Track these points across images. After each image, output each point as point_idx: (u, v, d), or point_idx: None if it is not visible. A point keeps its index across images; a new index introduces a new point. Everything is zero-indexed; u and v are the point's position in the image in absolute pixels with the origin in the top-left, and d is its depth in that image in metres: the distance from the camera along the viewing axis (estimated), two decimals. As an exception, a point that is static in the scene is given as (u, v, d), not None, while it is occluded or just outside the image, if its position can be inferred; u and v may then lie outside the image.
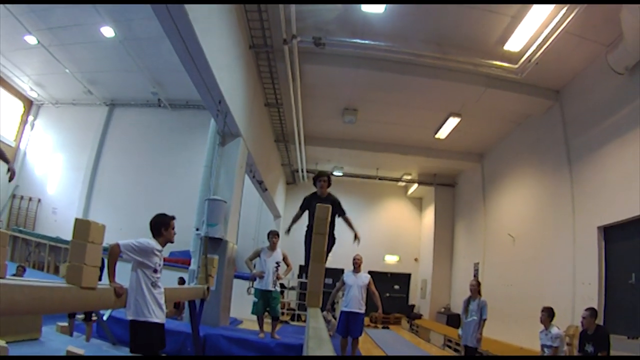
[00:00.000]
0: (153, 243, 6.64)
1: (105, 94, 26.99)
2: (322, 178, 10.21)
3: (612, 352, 9.89)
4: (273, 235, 12.60)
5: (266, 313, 12.43)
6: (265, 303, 12.22)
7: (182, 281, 15.36)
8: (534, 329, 11.76)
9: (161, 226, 6.86)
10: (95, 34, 19.80)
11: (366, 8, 12.88)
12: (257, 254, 12.55)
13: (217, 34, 10.72)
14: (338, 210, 10.04)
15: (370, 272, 13.32)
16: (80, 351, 8.30)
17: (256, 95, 15.85)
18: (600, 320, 11.07)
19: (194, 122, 25.86)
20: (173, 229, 6.96)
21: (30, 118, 28.22)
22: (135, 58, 21.52)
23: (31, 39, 20.67)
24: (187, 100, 26.19)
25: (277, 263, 12.38)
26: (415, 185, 29.39)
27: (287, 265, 12.73)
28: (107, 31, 19.52)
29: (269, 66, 14.89)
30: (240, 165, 14.07)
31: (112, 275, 6.20)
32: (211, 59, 10.04)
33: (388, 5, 12.65)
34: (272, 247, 12.43)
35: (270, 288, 12.20)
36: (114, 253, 6.16)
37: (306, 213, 11.23)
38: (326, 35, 13.83)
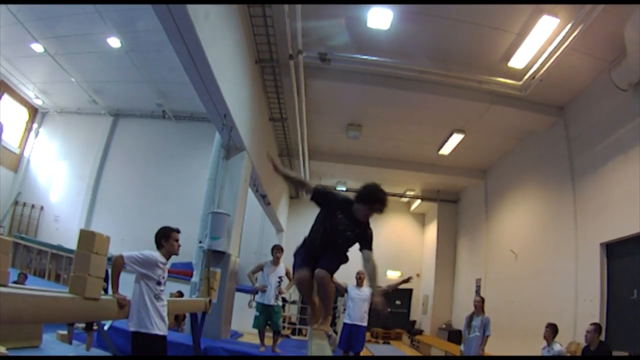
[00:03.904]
0: (156, 255, 6.68)
1: (110, 104, 26.97)
2: (381, 206, 6.61)
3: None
4: (277, 250, 12.66)
5: (267, 327, 12.48)
6: (266, 317, 12.29)
7: (180, 294, 15.34)
8: (535, 346, 11.79)
9: (162, 238, 6.90)
10: (101, 44, 19.83)
11: (372, 24, 12.94)
12: (260, 268, 12.63)
13: (224, 49, 10.78)
14: (364, 245, 6.60)
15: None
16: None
17: (261, 110, 15.91)
18: (602, 337, 11.11)
19: (198, 135, 25.77)
20: (177, 241, 6.98)
21: (35, 126, 28.19)
22: (141, 69, 21.55)
23: (38, 47, 20.71)
24: (192, 113, 26.18)
25: (279, 278, 12.45)
26: (419, 201, 29.41)
27: (290, 280, 12.76)
28: (114, 42, 19.57)
29: (274, 81, 14.93)
30: (244, 179, 14.11)
31: (115, 286, 6.25)
32: (218, 73, 10.10)
33: (393, 21, 12.71)
34: (276, 262, 12.49)
35: (272, 302, 12.27)
36: (117, 265, 6.21)
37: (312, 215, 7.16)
38: (332, 51, 13.91)
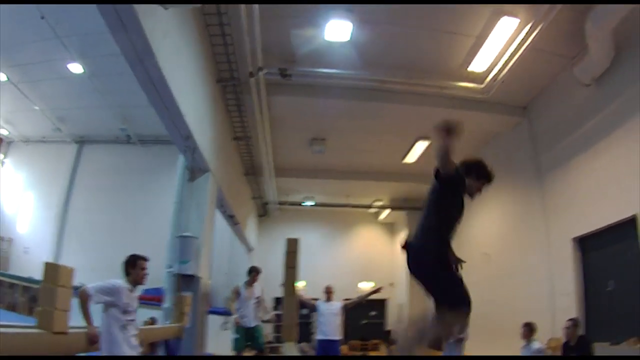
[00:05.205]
0: (120, 282, 6.67)
1: (74, 131, 26.63)
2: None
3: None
4: (255, 272, 12.72)
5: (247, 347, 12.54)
6: (247, 339, 12.34)
7: (153, 321, 15.25)
8: (516, 345, 11.98)
9: (127, 265, 6.93)
10: (63, 70, 19.57)
11: (330, 37, 13.00)
12: (237, 292, 12.62)
13: (183, 70, 10.73)
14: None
15: (346, 300, 13.44)
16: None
17: (224, 130, 15.83)
18: (581, 330, 11.23)
19: (164, 158, 24.97)
20: (143, 269, 6.95)
21: (1, 156, 27.80)
22: (104, 94, 21.27)
23: (1, 76, 20.43)
24: (156, 136, 25.82)
25: (257, 298, 12.53)
26: (387, 211, 29.46)
27: (264, 307, 12.90)
28: (76, 67, 19.36)
29: (236, 99, 14.86)
30: (211, 200, 14.00)
31: (87, 319, 6.21)
32: (178, 95, 10.02)
33: (353, 32, 12.73)
34: (251, 283, 12.55)
35: (253, 324, 12.31)
36: (84, 298, 6.16)
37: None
38: (292, 66, 13.90)
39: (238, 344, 12.41)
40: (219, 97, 14.42)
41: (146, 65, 8.94)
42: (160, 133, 23.66)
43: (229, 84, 14.09)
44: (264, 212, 28.99)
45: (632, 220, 11.47)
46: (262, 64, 13.06)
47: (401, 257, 21.83)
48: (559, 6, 11.02)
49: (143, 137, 26.36)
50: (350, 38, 13.01)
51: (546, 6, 11.16)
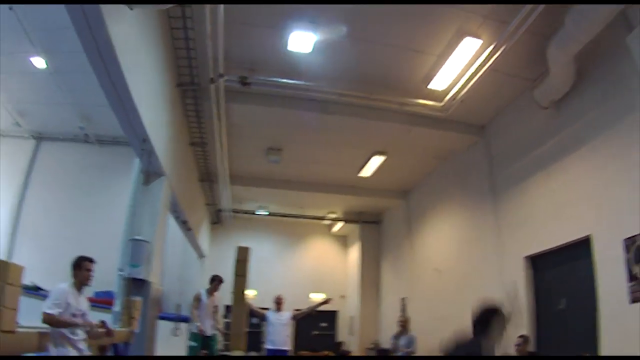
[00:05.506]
0: (64, 286, 6.70)
1: (33, 127, 25.98)
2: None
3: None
4: (217, 281, 12.73)
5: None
6: (203, 347, 12.31)
7: (103, 324, 15.09)
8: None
9: (73, 267, 7.03)
10: (26, 63, 19.08)
11: (292, 48, 12.94)
12: (199, 300, 12.60)
13: (144, 72, 10.63)
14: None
15: (296, 311, 13.44)
16: None
17: (181, 134, 15.73)
18: (532, 347, 11.31)
19: (121, 159, 24.48)
20: (88, 270, 6.98)
21: (-44, 149, 27.19)
22: (65, 91, 20.87)
23: (-36, 66, 20.00)
24: (114, 137, 25.43)
25: (215, 307, 12.56)
26: (341, 224, 29.57)
27: (217, 317, 12.92)
28: (39, 62, 18.94)
29: (195, 104, 14.75)
30: (164, 205, 13.85)
31: (74, 325, 6.23)
32: (137, 96, 9.90)
33: (315, 44, 12.73)
34: (212, 292, 12.56)
35: (210, 333, 12.32)
36: (51, 319, 6.26)
37: None
38: (252, 75, 13.86)
39: (195, 351, 12.37)
40: (177, 101, 14.32)
41: (107, 64, 8.85)
42: (118, 134, 23.33)
43: (188, 88, 14.00)
44: (217, 220, 28.73)
45: (586, 240, 11.61)
46: (223, 70, 12.97)
47: (352, 270, 21.87)
48: (522, 29, 10.99)
49: (101, 137, 25.93)
50: (313, 50, 13.00)
51: (510, 28, 11.16)
